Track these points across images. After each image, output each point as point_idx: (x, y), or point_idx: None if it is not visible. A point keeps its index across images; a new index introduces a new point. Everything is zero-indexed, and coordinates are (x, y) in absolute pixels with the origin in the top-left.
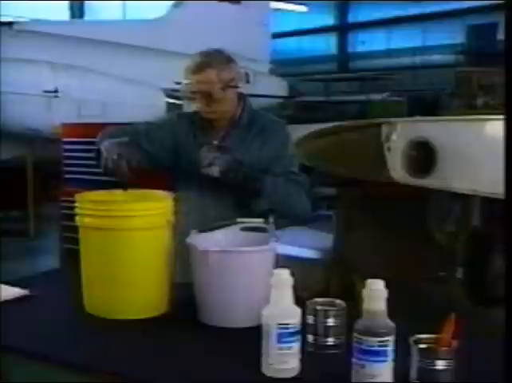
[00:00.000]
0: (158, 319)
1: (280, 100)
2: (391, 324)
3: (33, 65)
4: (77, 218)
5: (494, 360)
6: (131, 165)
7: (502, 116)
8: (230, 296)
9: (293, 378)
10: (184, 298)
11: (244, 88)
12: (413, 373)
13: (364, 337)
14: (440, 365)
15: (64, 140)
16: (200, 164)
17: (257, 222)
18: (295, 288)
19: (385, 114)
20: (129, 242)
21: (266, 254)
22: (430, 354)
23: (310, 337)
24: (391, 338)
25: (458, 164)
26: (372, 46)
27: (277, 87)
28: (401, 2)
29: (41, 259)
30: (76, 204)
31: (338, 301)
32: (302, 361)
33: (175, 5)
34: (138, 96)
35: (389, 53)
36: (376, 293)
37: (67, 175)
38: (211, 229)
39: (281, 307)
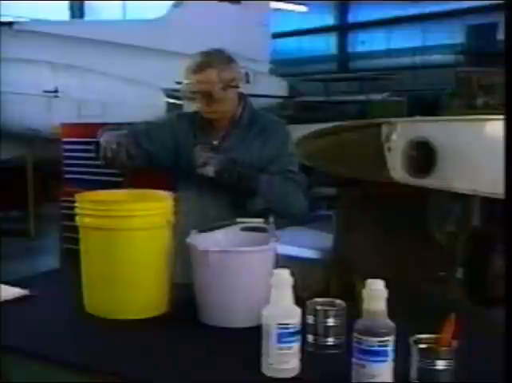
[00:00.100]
0: (158, 319)
1: (280, 100)
2: (391, 324)
3: (33, 65)
4: (77, 218)
5: (494, 360)
6: (131, 154)
7: (502, 116)
8: (230, 296)
9: (293, 378)
10: (184, 298)
11: (244, 88)
12: (413, 373)
13: (364, 337)
14: (440, 365)
15: (64, 140)
16: (195, 164)
17: (257, 222)
18: (295, 288)
19: (385, 114)
20: (129, 242)
21: (266, 254)
22: (430, 354)
23: (310, 337)
24: (391, 338)
25: (458, 164)
26: (371, 46)
27: (277, 87)
28: (401, 2)
29: (41, 259)
30: (76, 204)
31: (338, 301)
32: (302, 361)
33: (175, 5)
34: (138, 96)
35: (389, 53)
36: (376, 293)
37: (67, 175)
38: (211, 229)
39: (281, 307)
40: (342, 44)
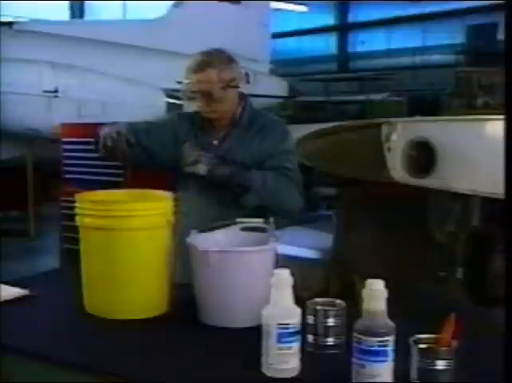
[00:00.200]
0: (158, 319)
1: (280, 100)
2: (391, 324)
3: (33, 65)
4: (77, 218)
5: (494, 360)
6: (131, 143)
7: (502, 116)
8: (230, 296)
9: (293, 378)
10: (184, 298)
11: (244, 89)
12: (413, 373)
13: (364, 337)
14: (440, 365)
15: (64, 140)
16: (184, 162)
17: (257, 222)
18: (295, 288)
19: (385, 114)
20: (129, 242)
21: (266, 254)
22: (430, 354)
23: (310, 337)
24: (391, 338)
25: (458, 164)
26: (372, 46)
27: (277, 87)
28: (401, 2)
29: (41, 259)
30: (76, 204)
31: (338, 301)
32: (302, 361)
33: (175, 5)
34: (138, 96)
35: (389, 53)
36: (375, 293)
37: (67, 175)
38: (211, 229)
39: (281, 307)
40: (342, 44)
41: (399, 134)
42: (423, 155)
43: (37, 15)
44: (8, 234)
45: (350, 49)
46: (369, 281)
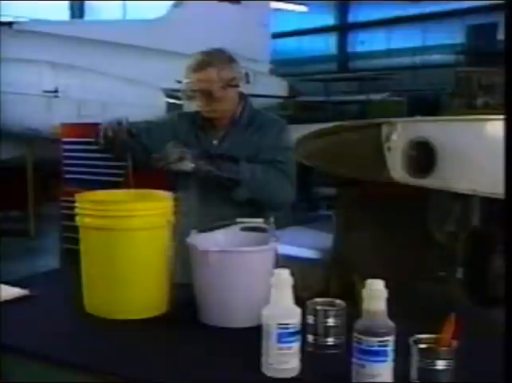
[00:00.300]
0: (158, 319)
1: (280, 100)
2: (391, 324)
3: (33, 65)
4: (77, 218)
5: (494, 360)
6: (132, 133)
7: (502, 116)
8: (230, 296)
9: (293, 378)
10: (184, 298)
11: (244, 88)
12: (413, 373)
13: (364, 337)
14: (440, 365)
15: (64, 140)
16: (167, 161)
17: (257, 222)
18: (295, 288)
19: (385, 114)
20: (129, 242)
21: (266, 254)
22: (430, 354)
23: (310, 337)
24: (391, 338)
25: (458, 164)
26: (371, 46)
27: (277, 87)
28: (401, 2)
29: (41, 259)
30: (76, 204)
31: (338, 301)
32: (302, 361)
33: (175, 5)
34: (138, 96)
35: (389, 53)
36: (375, 293)
37: (67, 175)
38: (211, 229)
39: (281, 307)
40: (342, 44)
41: (399, 134)
42: (423, 155)
43: (37, 15)
44: (8, 234)
45: (350, 49)
46: (369, 281)
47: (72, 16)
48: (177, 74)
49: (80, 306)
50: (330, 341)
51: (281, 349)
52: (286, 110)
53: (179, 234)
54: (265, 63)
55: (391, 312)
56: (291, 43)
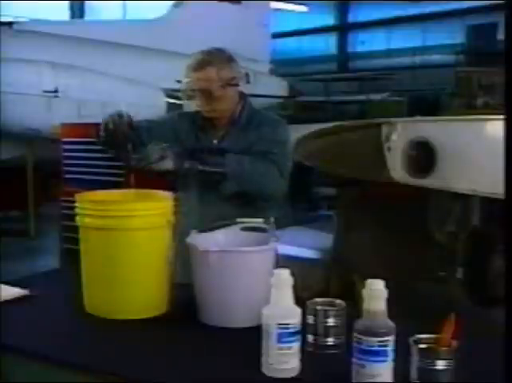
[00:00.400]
0: (158, 319)
1: (280, 100)
2: (391, 324)
3: (33, 65)
4: (77, 218)
5: (494, 360)
6: (133, 125)
7: (502, 116)
8: (230, 296)
9: (293, 378)
10: (184, 298)
11: (244, 89)
12: (413, 373)
13: (364, 337)
14: (440, 365)
15: (64, 140)
16: (148, 160)
17: (257, 222)
18: (295, 288)
19: (385, 114)
20: (129, 242)
21: (266, 254)
22: (430, 354)
23: (310, 337)
24: (391, 338)
25: (458, 164)
26: (371, 46)
27: (277, 87)
28: (401, 2)
29: (41, 259)
30: (76, 204)
31: (338, 301)
32: (302, 361)
33: (175, 5)
34: (138, 96)
35: (389, 53)
36: (376, 293)
37: (67, 175)
38: (211, 229)
39: (281, 307)
40: (342, 44)
41: (399, 134)
42: (423, 155)
43: (37, 15)
44: (8, 234)
45: (350, 49)
46: (369, 281)
47: (72, 16)
48: (177, 74)
49: (80, 305)
50: (330, 341)
51: (281, 349)
52: (286, 110)
53: (179, 234)
54: (265, 63)
55: (391, 312)
56: (291, 43)
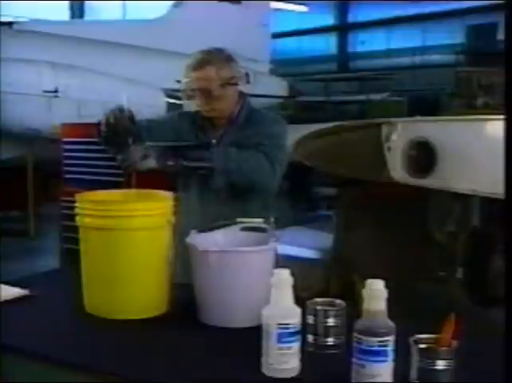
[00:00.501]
0: (158, 319)
1: (280, 100)
2: (391, 324)
3: (33, 65)
4: (77, 218)
5: (494, 360)
6: (134, 120)
7: (502, 116)
8: (230, 296)
9: (293, 378)
10: (184, 298)
11: (244, 88)
12: (413, 373)
13: (364, 337)
14: (440, 365)
15: (64, 140)
16: (132, 160)
17: (257, 222)
18: (295, 288)
19: (385, 114)
20: (129, 242)
21: (266, 254)
22: (430, 354)
23: (310, 337)
24: (391, 338)
25: (458, 164)
26: (371, 46)
27: (277, 87)
28: (401, 2)
29: (41, 259)
30: (76, 204)
31: (338, 301)
32: (302, 361)
33: (175, 5)
34: (138, 96)
35: (389, 53)
36: (376, 293)
37: (67, 175)
38: (211, 229)
39: (281, 307)
40: (342, 44)
41: (399, 134)
42: (423, 155)
43: (37, 15)
44: (8, 234)
45: (350, 49)
46: (369, 281)
47: (72, 16)
48: (177, 74)
49: (80, 305)
50: (330, 341)
51: (281, 349)
52: (286, 110)
53: (179, 234)
54: (265, 63)
55: (391, 312)
56: (291, 43)
